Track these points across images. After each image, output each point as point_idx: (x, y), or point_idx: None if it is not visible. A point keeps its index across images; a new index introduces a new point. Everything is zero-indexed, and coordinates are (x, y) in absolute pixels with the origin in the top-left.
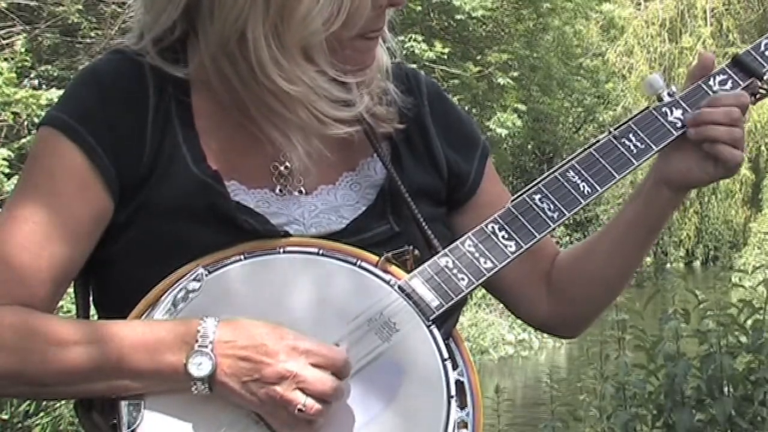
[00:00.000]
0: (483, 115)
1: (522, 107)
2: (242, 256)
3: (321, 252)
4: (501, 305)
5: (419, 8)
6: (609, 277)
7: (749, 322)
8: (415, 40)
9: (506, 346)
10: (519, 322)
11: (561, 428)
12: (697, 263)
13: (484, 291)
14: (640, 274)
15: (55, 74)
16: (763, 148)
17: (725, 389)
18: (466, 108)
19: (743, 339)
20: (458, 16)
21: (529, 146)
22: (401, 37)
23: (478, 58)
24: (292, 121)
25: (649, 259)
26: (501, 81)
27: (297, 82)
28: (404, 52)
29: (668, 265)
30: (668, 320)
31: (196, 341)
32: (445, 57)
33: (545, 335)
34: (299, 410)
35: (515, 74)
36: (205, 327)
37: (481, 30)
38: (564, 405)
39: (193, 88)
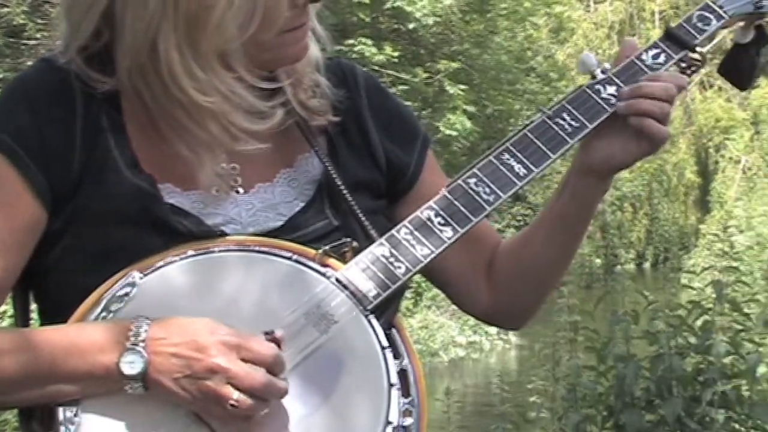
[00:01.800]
0: (433, 117)
1: (472, 108)
2: (178, 258)
3: (257, 249)
4: (452, 307)
5: (368, 16)
6: (545, 267)
7: (698, 323)
8: (364, 43)
9: (457, 349)
10: (470, 323)
11: (511, 430)
12: (647, 265)
13: (435, 292)
14: (590, 276)
15: (0, 76)
16: (711, 150)
17: (674, 390)
18: (416, 111)
19: (692, 340)
20: (410, 25)
21: (481, 147)
22: (350, 41)
23: (428, 64)
24: (201, 138)
25: (599, 261)
26: (450, 90)
27: (212, 93)
28: (353, 55)
29: (618, 267)
30: (618, 321)
31: (128, 340)
32: (396, 61)
33: (496, 337)
34: (232, 405)
35: (465, 77)
36: (137, 326)
37: (431, 35)
38: (514, 407)
39: (123, 94)
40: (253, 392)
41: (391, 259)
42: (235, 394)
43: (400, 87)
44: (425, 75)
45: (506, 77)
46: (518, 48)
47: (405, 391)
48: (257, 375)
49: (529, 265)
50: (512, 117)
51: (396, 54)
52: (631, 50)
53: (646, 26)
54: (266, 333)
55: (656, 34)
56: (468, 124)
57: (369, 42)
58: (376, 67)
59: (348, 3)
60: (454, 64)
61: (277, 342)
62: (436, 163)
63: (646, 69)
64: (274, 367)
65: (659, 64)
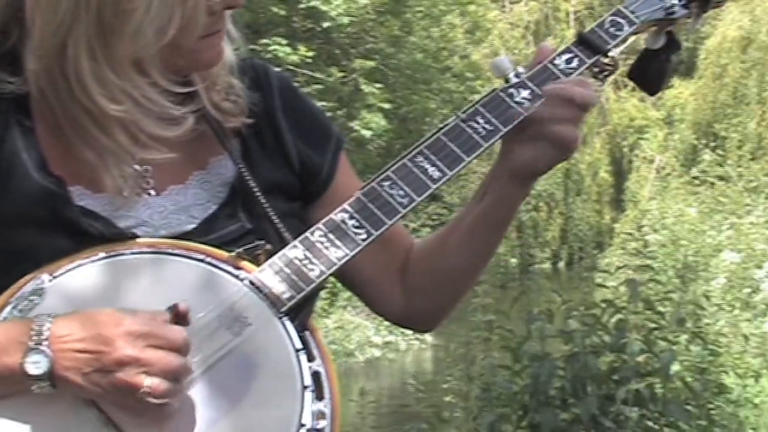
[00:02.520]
0: (348, 117)
1: (387, 106)
2: (88, 260)
3: (169, 251)
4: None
5: (283, 11)
6: (460, 271)
7: (612, 321)
8: (278, 43)
9: (372, 349)
10: (386, 324)
11: (426, 430)
12: (562, 264)
13: (350, 293)
14: (506, 275)
15: None
16: (625, 149)
17: (589, 388)
18: (331, 111)
19: (606, 339)
20: (325, 24)
21: (396, 146)
22: (264, 40)
23: (343, 63)
24: (107, 145)
25: (514, 261)
26: (365, 89)
27: (123, 100)
28: (267, 55)
29: (534, 266)
30: (533, 321)
31: (31, 339)
32: (310, 61)
33: (412, 337)
34: (145, 393)
35: (381, 76)
36: (39, 324)
37: (346, 34)
38: (429, 407)
39: (32, 95)
40: (168, 375)
41: (305, 262)
42: (147, 380)
43: (315, 86)
44: (340, 74)
45: (422, 77)
46: (434, 48)
47: (318, 394)
48: (168, 358)
49: (445, 268)
50: (428, 116)
51: (310, 54)
52: (547, 54)
53: (561, 26)
54: (169, 309)
55: (571, 34)
56: (383, 123)
57: (283, 42)
58: (291, 67)
59: (261, 2)
60: (370, 63)
61: (183, 315)
62: (350, 165)
63: (559, 73)
64: (183, 349)
65: (572, 68)
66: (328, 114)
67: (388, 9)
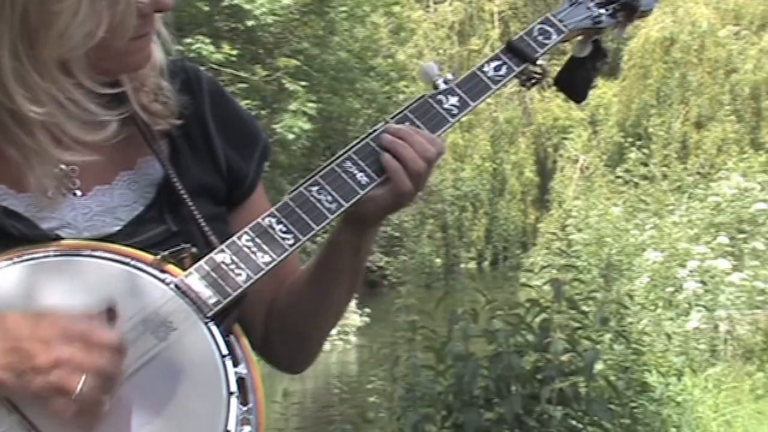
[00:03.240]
0: (272, 118)
1: (312, 107)
2: (7, 262)
3: (91, 254)
4: None
5: (206, 9)
6: (305, 315)
7: (536, 321)
8: (202, 42)
9: None
10: None
11: (350, 431)
12: (487, 264)
13: None
14: (431, 275)
15: None
16: (549, 149)
17: (513, 388)
18: (255, 111)
19: (530, 338)
20: (249, 23)
21: (321, 146)
22: (188, 39)
23: (267, 61)
24: (30, 145)
25: (439, 261)
26: (290, 87)
27: (45, 102)
28: (191, 54)
29: (459, 266)
30: (457, 321)
31: None
32: (234, 60)
33: (336, 338)
34: (80, 391)
35: (305, 77)
36: None
37: (270, 33)
38: (353, 407)
39: None
40: (102, 373)
41: (232, 266)
42: (82, 379)
43: (239, 85)
44: (264, 73)
45: (346, 76)
46: (358, 47)
47: (243, 399)
48: (104, 356)
49: (293, 310)
50: (352, 116)
51: (234, 53)
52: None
53: (485, 27)
54: (103, 309)
55: (495, 34)
56: (307, 125)
57: (207, 41)
58: (214, 66)
59: (185, 0)
60: (294, 62)
61: (114, 316)
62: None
63: (488, 81)
64: (119, 350)
65: (501, 76)
66: (253, 113)
67: (311, 9)
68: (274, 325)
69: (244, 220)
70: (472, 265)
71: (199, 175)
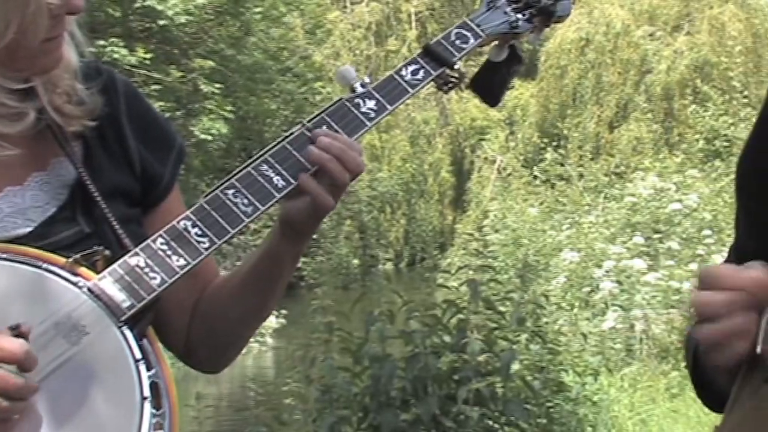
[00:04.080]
0: (187, 120)
1: (228, 110)
2: None
3: (1, 256)
4: None
5: (118, 14)
6: (233, 320)
7: (453, 322)
8: (115, 44)
9: None
10: None
11: None
12: (404, 265)
13: None
14: (348, 277)
15: None
16: (467, 150)
17: (430, 389)
18: (170, 113)
19: (447, 339)
20: (161, 22)
21: (236, 147)
22: (101, 42)
23: (183, 62)
24: None
25: (356, 262)
26: (205, 88)
27: None
28: (104, 57)
29: (378, 267)
30: (374, 322)
31: None
32: (148, 62)
33: (252, 340)
34: None
35: (220, 78)
36: None
37: (184, 34)
38: (269, 409)
39: None
40: (6, 394)
41: (146, 270)
42: None
43: (154, 87)
44: (179, 74)
45: (262, 77)
46: (274, 48)
47: (157, 404)
48: (8, 376)
49: (220, 314)
50: (269, 117)
51: (148, 55)
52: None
53: (402, 27)
54: (11, 328)
55: (413, 35)
56: (223, 127)
57: (120, 42)
58: (128, 68)
59: (96, 1)
60: (209, 63)
61: (25, 336)
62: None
63: (405, 85)
64: (25, 364)
65: (418, 80)
66: (167, 115)
67: (226, 9)
68: (199, 330)
69: (159, 223)
70: (390, 266)
71: (112, 176)
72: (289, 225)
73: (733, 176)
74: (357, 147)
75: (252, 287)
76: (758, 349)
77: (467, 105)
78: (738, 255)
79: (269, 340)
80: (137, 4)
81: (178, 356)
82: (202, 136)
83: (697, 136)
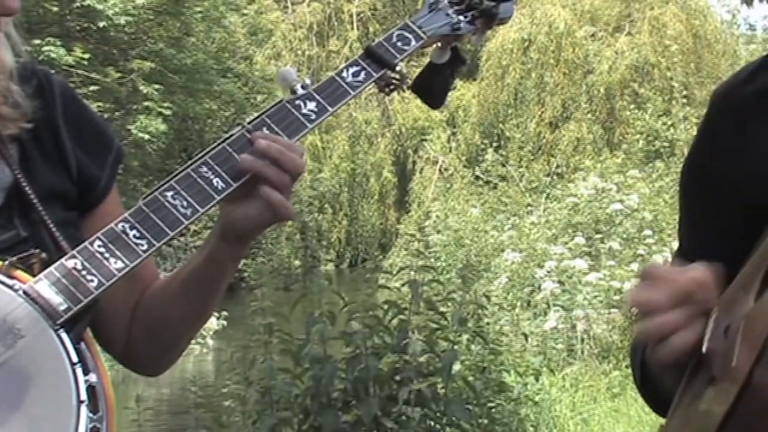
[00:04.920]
0: (126, 118)
1: (166, 107)
2: None
3: None
4: None
5: (56, 9)
6: (174, 322)
7: (394, 322)
8: (52, 44)
9: None
10: None
11: None
12: (346, 266)
13: None
14: (289, 277)
15: None
16: (409, 150)
17: (371, 390)
18: (108, 114)
19: (388, 339)
20: (101, 23)
21: (176, 148)
22: (37, 41)
23: (121, 62)
24: None
25: (298, 263)
26: (144, 89)
27: None
28: (40, 56)
29: (319, 268)
30: (315, 323)
31: None
32: (86, 62)
33: (193, 342)
34: None
35: (160, 79)
36: None
37: (124, 34)
38: (209, 412)
39: None
40: None
41: (84, 272)
42: None
43: (92, 88)
44: (118, 75)
45: (202, 78)
46: (214, 49)
47: (94, 407)
48: None
49: (161, 316)
50: (209, 118)
51: (87, 55)
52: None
53: (344, 28)
54: None
55: (354, 36)
56: (162, 126)
57: (58, 42)
58: (66, 68)
59: (35, 0)
60: (148, 64)
61: None
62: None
63: (346, 86)
64: None
65: (359, 81)
66: (105, 116)
67: (166, 9)
68: (138, 332)
69: (97, 226)
70: (332, 266)
71: (49, 179)
72: (233, 229)
73: (673, 176)
74: (297, 148)
75: (193, 289)
76: (704, 349)
77: (409, 105)
78: (682, 258)
79: (210, 342)
80: (76, 4)
81: (118, 359)
82: (140, 135)
83: (637, 137)
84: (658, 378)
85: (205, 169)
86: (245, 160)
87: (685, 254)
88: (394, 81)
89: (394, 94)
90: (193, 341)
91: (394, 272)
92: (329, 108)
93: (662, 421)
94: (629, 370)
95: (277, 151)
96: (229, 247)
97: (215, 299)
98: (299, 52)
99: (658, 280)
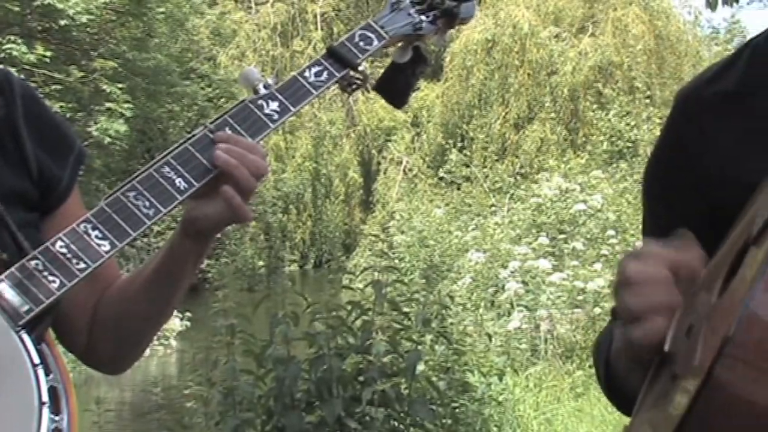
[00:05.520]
0: (89, 119)
1: (128, 108)
2: None
3: None
4: None
5: (17, 8)
6: (138, 318)
7: (358, 323)
8: (14, 42)
9: None
10: None
11: None
12: (310, 266)
13: None
14: (253, 278)
15: None
16: (374, 151)
17: (334, 390)
18: (70, 114)
19: (352, 340)
20: (62, 21)
21: (139, 149)
22: None
23: (84, 62)
24: None
25: (261, 263)
26: (107, 89)
27: None
28: (2, 54)
29: (285, 269)
30: (278, 324)
31: None
32: (48, 61)
33: (156, 342)
34: None
35: (123, 79)
36: None
37: (86, 33)
38: (171, 413)
39: None
40: None
41: (45, 273)
42: None
43: (54, 87)
44: (80, 75)
45: (165, 79)
46: (178, 50)
47: (55, 409)
48: None
49: (125, 312)
50: (172, 119)
51: (48, 54)
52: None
53: (308, 28)
54: None
55: (318, 36)
56: (124, 128)
57: (19, 41)
58: (27, 67)
59: None
60: (111, 63)
61: None
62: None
63: (308, 86)
64: None
65: (322, 81)
66: (68, 116)
67: (128, 10)
68: (101, 331)
69: (59, 227)
70: (296, 267)
71: (9, 180)
72: (194, 227)
73: (636, 177)
74: (259, 150)
75: (155, 286)
76: (666, 348)
77: (374, 106)
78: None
79: (174, 343)
80: (36, 3)
81: (80, 358)
82: (101, 136)
83: (601, 137)
84: (622, 376)
85: (167, 169)
86: (220, 156)
87: None
88: (356, 81)
89: (359, 94)
90: (156, 342)
91: (358, 273)
92: (291, 108)
93: (626, 420)
94: (592, 370)
95: (239, 154)
96: (190, 242)
97: (177, 296)
98: (263, 53)
99: (648, 256)
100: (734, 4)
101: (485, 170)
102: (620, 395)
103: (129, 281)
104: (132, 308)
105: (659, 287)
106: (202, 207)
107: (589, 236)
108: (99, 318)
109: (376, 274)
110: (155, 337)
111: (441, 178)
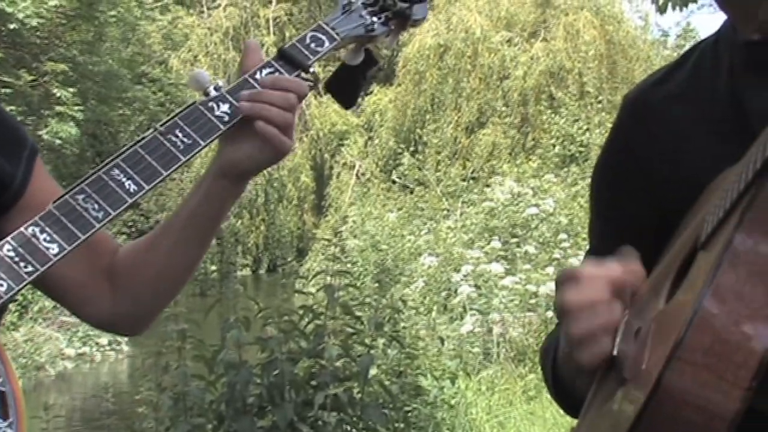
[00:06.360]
0: (39, 122)
1: (78, 110)
2: None
3: None
4: (60, 319)
5: None
6: (172, 271)
7: (310, 327)
8: None
9: (65, 361)
10: (79, 335)
11: None
12: (263, 271)
13: (42, 304)
14: (205, 283)
15: None
16: (326, 155)
17: (286, 395)
18: (20, 118)
19: (304, 344)
20: (12, 25)
21: (89, 153)
22: None
23: (34, 66)
24: None
25: (214, 268)
26: (58, 93)
27: None
28: None
29: (238, 273)
30: (229, 328)
31: None
32: None
33: (108, 348)
34: None
35: (73, 83)
36: None
37: (36, 37)
38: (122, 419)
39: None
40: None
41: None
42: None
43: (3, 90)
44: (30, 78)
45: (116, 83)
46: (129, 54)
47: (3, 414)
48: None
49: (156, 269)
50: (124, 123)
51: None
52: (254, 50)
53: (260, 32)
54: None
55: (271, 40)
56: (74, 131)
57: None
58: None
59: None
60: (62, 66)
61: None
62: (47, 172)
63: (259, 88)
64: None
65: None
66: (18, 119)
67: (79, 13)
68: (131, 291)
69: (23, 221)
70: (248, 272)
71: None
72: (237, 169)
73: (588, 181)
74: (282, 83)
75: (192, 231)
76: (614, 352)
77: (327, 110)
78: (594, 261)
79: (125, 348)
80: None
81: (101, 324)
82: (52, 139)
83: (552, 141)
84: (569, 380)
85: (117, 171)
86: (242, 105)
87: (596, 256)
88: (307, 83)
89: (312, 99)
90: (107, 347)
91: (311, 277)
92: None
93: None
94: None
95: (260, 96)
96: (229, 184)
97: (211, 239)
98: (215, 57)
99: (580, 280)
100: (684, 9)
101: (438, 174)
102: (568, 398)
103: (151, 241)
104: (167, 263)
105: (599, 308)
106: (243, 149)
107: (541, 240)
108: (122, 282)
109: (328, 278)
110: (107, 343)
111: (394, 182)
